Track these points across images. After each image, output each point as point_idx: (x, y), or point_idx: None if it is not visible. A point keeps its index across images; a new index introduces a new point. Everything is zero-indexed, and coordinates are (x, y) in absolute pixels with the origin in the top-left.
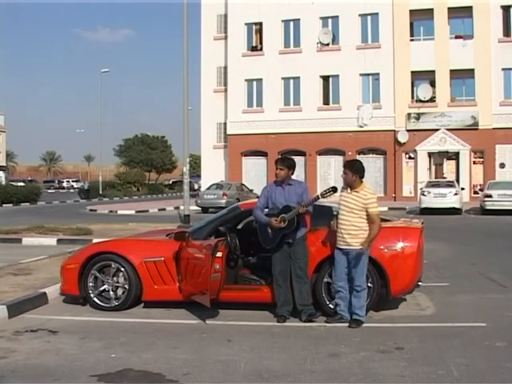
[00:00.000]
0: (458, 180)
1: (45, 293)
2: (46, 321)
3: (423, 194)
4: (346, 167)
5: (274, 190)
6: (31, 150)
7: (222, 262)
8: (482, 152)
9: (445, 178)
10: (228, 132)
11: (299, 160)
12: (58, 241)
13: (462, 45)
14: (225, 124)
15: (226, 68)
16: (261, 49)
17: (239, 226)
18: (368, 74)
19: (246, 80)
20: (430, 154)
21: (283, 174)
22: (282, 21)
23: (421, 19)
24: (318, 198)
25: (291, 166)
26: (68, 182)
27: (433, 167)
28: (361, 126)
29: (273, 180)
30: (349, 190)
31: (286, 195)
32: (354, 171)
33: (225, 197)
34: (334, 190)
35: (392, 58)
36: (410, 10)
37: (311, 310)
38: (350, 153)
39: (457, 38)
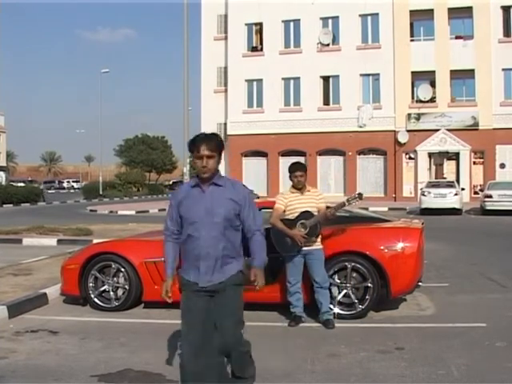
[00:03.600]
0: (458, 180)
1: (45, 293)
2: (47, 321)
3: (423, 195)
4: (302, 169)
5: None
6: (31, 150)
7: None
8: (482, 152)
9: (445, 178)
10: (228, 132)
11: (299, 160)
12: (59, 241)
13: (462, 45)
14: (225, 124)
15: (226, 68)
16: (261, 49)
17: None
18: (368, 75)
19: (246, 80)
20: (430, 155)
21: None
22: (282, 21)
23: (421, 19)
24: (344, 205)
25: None
26: (68, 182)
27: (433, 167)
28: (361, 127)
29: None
30: (295, 192)
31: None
32: (306, 172)
33: None
34: (360, 196)
35: (392, 58)
36: (410, 11)
37: None
38: (350, 153)
39: (457, 38)
